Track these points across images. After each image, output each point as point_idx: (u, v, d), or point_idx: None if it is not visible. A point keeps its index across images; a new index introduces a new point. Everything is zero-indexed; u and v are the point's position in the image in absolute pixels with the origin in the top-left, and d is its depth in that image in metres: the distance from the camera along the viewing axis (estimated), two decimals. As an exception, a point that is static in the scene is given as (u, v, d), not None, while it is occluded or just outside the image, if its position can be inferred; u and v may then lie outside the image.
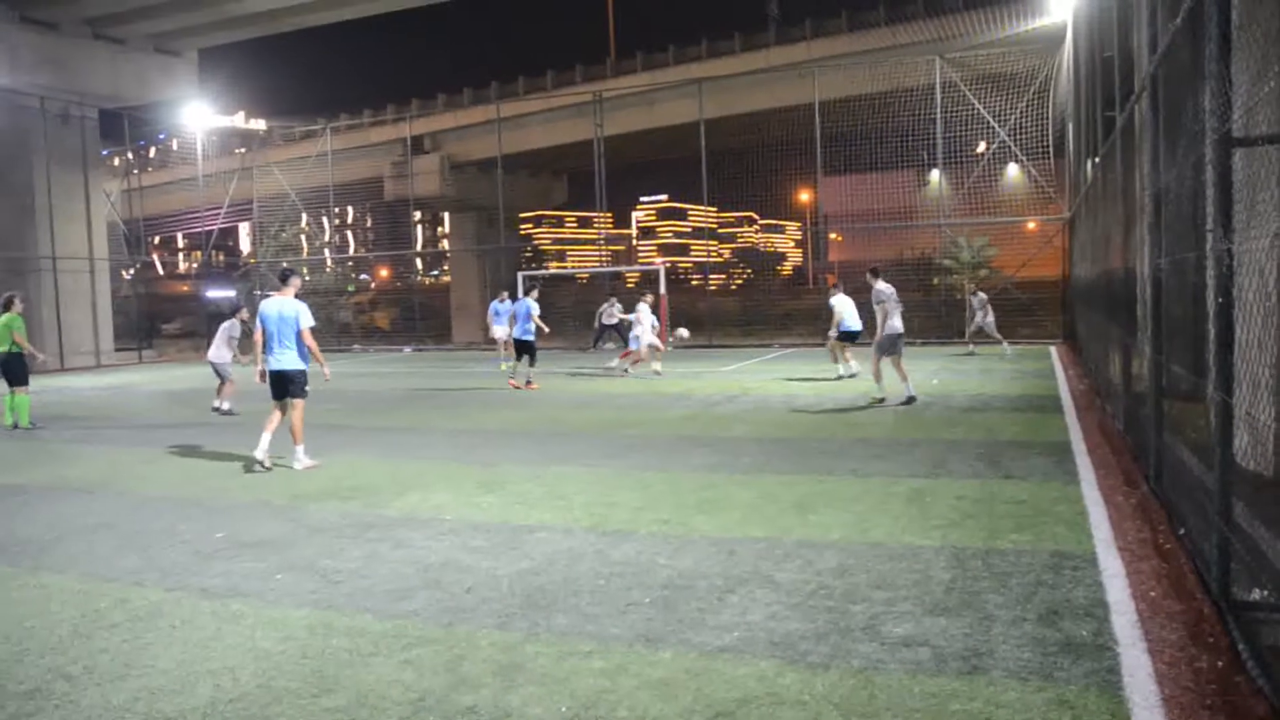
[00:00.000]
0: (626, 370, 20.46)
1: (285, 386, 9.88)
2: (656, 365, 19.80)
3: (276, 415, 10.02)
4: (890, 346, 14.06)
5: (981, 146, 28.48)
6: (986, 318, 23.14)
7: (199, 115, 35.36)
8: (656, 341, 19.40)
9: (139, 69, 30.88)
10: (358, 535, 7.08)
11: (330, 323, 41.21)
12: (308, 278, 44.62)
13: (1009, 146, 27.40)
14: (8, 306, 14.16)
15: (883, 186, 30.35)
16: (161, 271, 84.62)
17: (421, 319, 40.99)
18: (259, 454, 9.90)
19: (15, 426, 13.95)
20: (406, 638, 4.88)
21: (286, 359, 9.78)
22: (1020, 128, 27.20)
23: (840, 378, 17.72)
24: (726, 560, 6.07)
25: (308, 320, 9.81)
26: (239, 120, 41.76)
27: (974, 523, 6.77)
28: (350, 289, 55.71)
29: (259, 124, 42.69)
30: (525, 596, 5.47)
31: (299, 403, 9.91)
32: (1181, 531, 6.01)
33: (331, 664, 4.56)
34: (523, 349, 17.84)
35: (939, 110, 27.51)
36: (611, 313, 29.03)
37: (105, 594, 5.84)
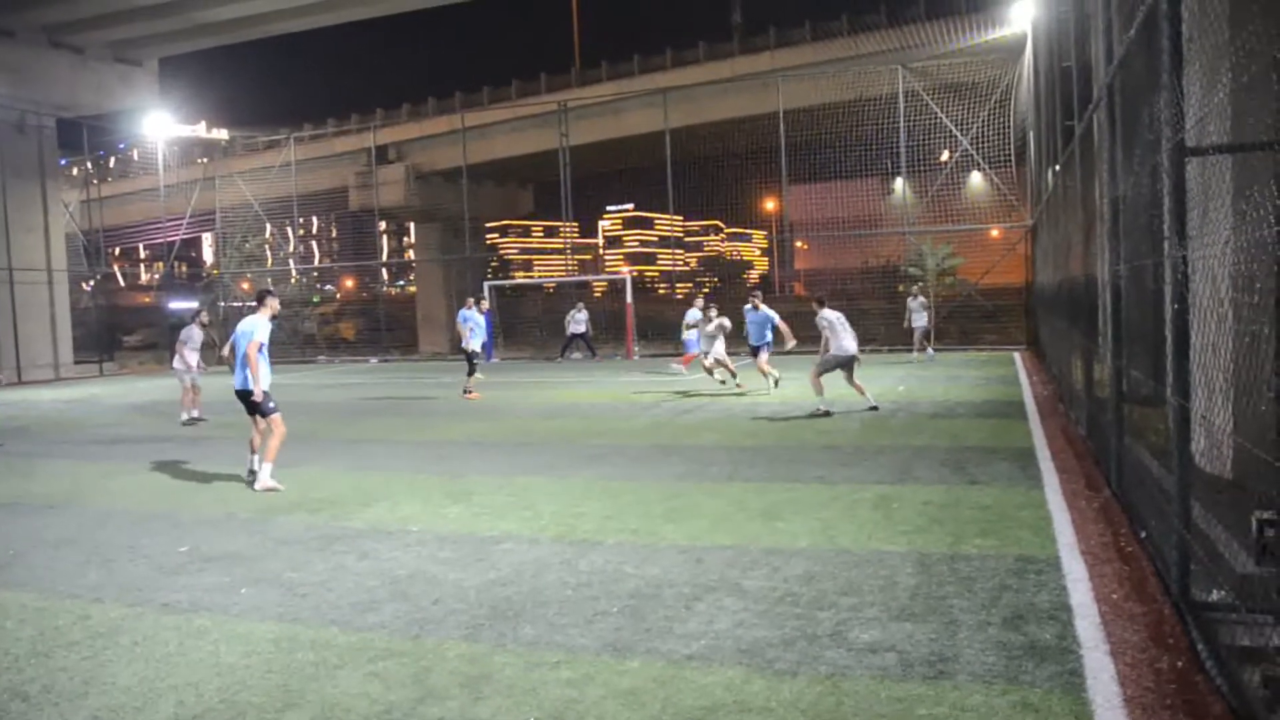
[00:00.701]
0: (682, 372, 21.32)
1: (249, 405, 9.73)
2: (718, 377, 18.47)
3: (254, 434, 9.90)
4: (838, 365, 14.03)
5: (945, 155, 28.77)
6: (921, 320, 23.35)
7: (160, 125, 35.00)
8: (725, 357, 18.21)
9: (98, 78, 30.53)
10: (324, 547, 7.02)
11: (295, 334, 40.94)
12: (273, 288, 44.41)
13: (972, 155, 27.72)
14: None
15: (848, 194, 30.54)
16: (123, 283, 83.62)
17: (387, 330, 40.75)
18: (246, 474, 10.07)
19: None
20: (373, 650, 4.85)
21: (239, 377, 9.67)
22: (982, 136, 27.52)
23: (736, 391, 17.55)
24: (694, 568, 6.08)
25: (249, 337, 9.53)
26: (201, 130, 41.22)
27: (940, 528, 6.83)
28: (315, 300, 55.39)
29: (221, 133, 42.23)
30: (492, 607, 5.46)
31: (273, 419, 9.59)
32: (1143, 534, 6.10)
33: (297, 677, 4.53)
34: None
35: (903, 119, 27.79)
36: (579, 321, 29.04)
37: (65, 611, 5.76)
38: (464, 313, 18.18)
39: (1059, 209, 13.95)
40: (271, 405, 9.62)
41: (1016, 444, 10.45)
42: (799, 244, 35.51)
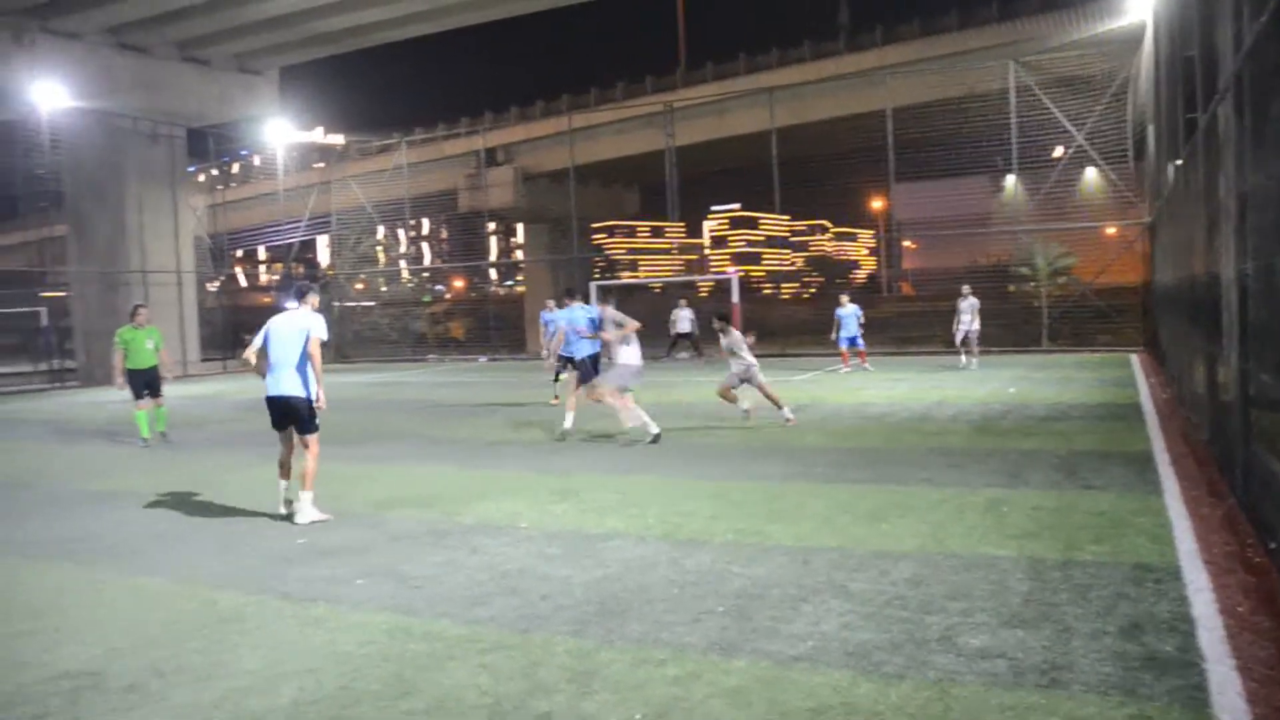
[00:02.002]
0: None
1: (286, 416, 8.32)
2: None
3: (285, 455, 8.51)
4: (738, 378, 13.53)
5: (1058, 151, 27.95)
6: (973, 324, 21.72)
7: (280, 131, 36.23)
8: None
9: (223, 89, 31.80)
10: (435, 542, 7.20)
11: (406, 333, 41.90)
12: (384, 289, 45.50)
13: (1086, 150, 26.85)
14: (138, 317, 14.09)
15: (956, 192, 29.97)
16: (244, 284, 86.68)
17: (496, 329, 41.43)
18: (282, 505, 8.46)
19: (147, 442, 13.76)
20: (483, 643, 4.96)
21: (287, 382, 8.16)
22: (1098, 131, 26.62)
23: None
24: (800, 569, 6.06)
25: (305, 335, 8.15)
26: (318, 135, 42.63)
27: (1052, 534, 6.66)
28: (426, 300, 56.59)
29: (337, 139, 43.57)
30: (600, 604, 5.53)
31: (310, 439, 8.28)
32: (1272, 545, 5.85)
33: (410, 667, 4.66)
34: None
35: (1013, 115, 27.06)
36: (683, 320, 29.02)
37: (194, 597, 6.03)
38: (544, 314, 17.01)
39: (1180, 205, 13.45)
40: (316, 422, 8.38)
41: (1133, 448, 10.11)
42: (907, 243, 34.93)
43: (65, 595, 6.21)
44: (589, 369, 13.14)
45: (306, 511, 8.06)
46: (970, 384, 17.70)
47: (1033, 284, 29.13)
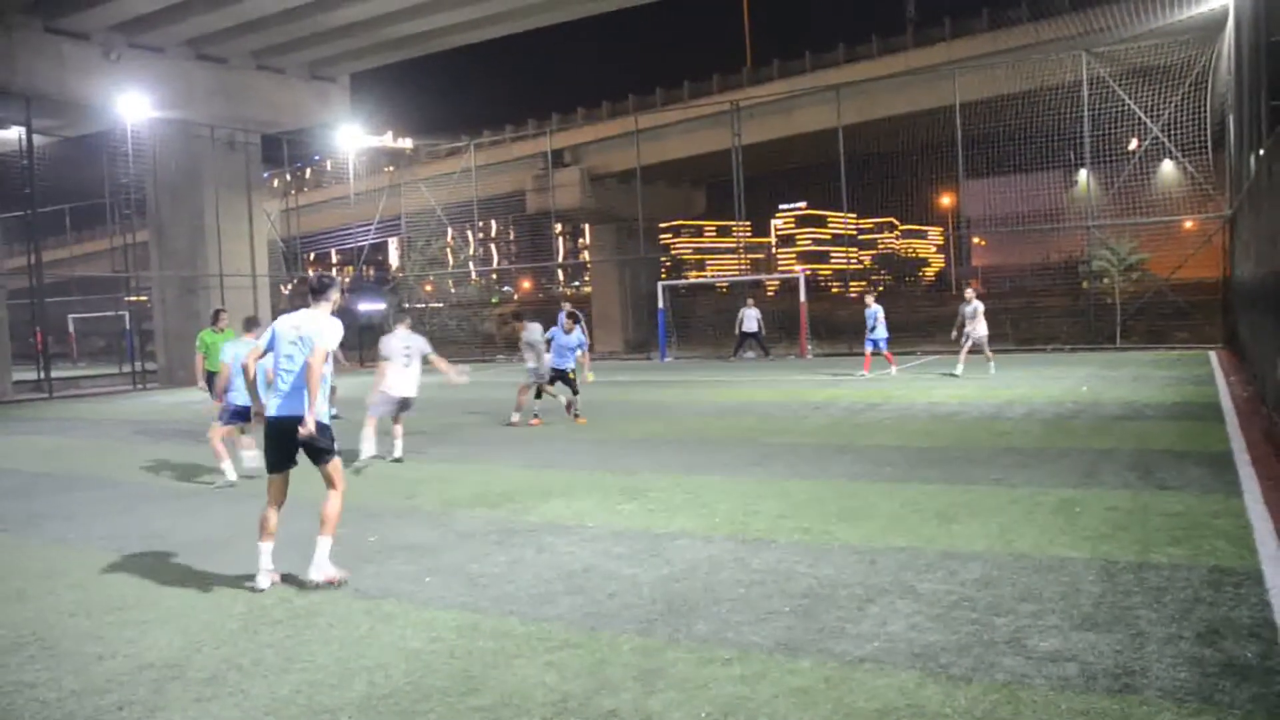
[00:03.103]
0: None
1: (292, 445, 6.41)
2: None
3: (271, 512, 6.51)
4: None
5: (1133, 144, 27.31)
6: (978, 329, 19.76)
7: (350, 136, 36.87)
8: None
9: (296, 95, 32.47)
10: (503, 541, 7.29)
11: (474, 334, 42.35)
12: (453, 290, 46.03)
13: (1163, 142, 26.19)
14: (215, 321, 14.28)
15: (1027, 188, 29.42)
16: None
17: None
18: (260, 578, 6.33)
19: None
20: (550, 641, 5.02)
21: (294, 400, 6.36)
22: (1175, 122, 25.91)
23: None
24: (867, 569, 6.03)
25: (309, 344, 6.38)
26: (387, 140, 43.29)
27: (1126, 535, 6.54)
28: (494, 300, 57.15)
29: (406, 143, 44.20)
30: (666, 603, 5.56)
31: (332, 469, 6.53)
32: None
33: (478, 664, 4.73)
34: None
35: (1086, 107, 26.49)
36: (750, 319, 29.04)
37: (270, 592, 6.18)
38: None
39: (1264, 197, 13.09)
40: (334, 444, 6.60)
41: (1211, 448, 9.87)
42: (976, 240, 34.40)
43: (150, 589, 6.41)
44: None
45: (323, 565, 6.30)
46: (1042, 383, 17.41)
47: (1106, 280, 28.50)
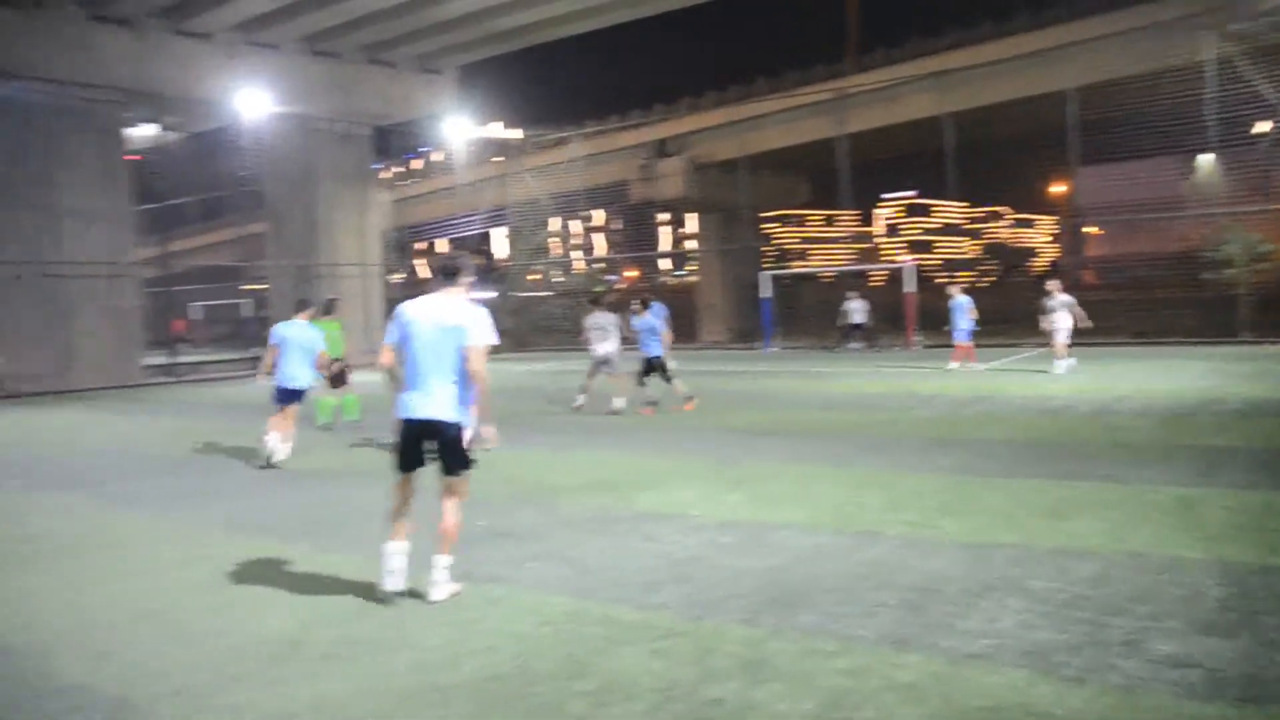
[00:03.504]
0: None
1: (423, 449, 5.80)
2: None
3: (403, 501, 5.90)
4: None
5: (1266, 125, 26.07)
6: (1062, 322, 18.19)
7: (458, 128, 37.49)
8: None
9: (406, 88, 33.14)
10: (608, 528, 7.37)
11: (579, 323, 42.70)
12: (559, 279, 46.53)
13: (1296, 125, 24.95)
14: (330, 310, 14.78)
15: (1146, 175, 28.37)
16: (425, 275, 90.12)
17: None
18: (389, 580, 5.77)
19: (326, 428, 14.37)
20: (656, 629, 5.06)
21: (436, 400, 5.69)
22: (1309, 104, 24.70)
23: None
24: (975, 565, 5.94)
25: (482, 334, 5.75)
26: (495, 130, 43.90)
27: (1250, 537, 6.30)
28: (599, 289, 57.50)
29: (513, 133, 44.76)
30: (771, 594, 5.55)
31: (459, 482, 5.90)
32: None
33: (584, 650, 4.80)
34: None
35: (1211, 89, 25.37)
36: (855, 310, 28.85)
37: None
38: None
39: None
40: (471, 456, 5.92)
41: (1346, 447, 9.43)
42: (1090, 229, 33.31)
43: (269, 567, 6.66)
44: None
45: (443, 584, 5.76)
46: (1158, 377, 16.83)
47: (1229, 271, 27.30)
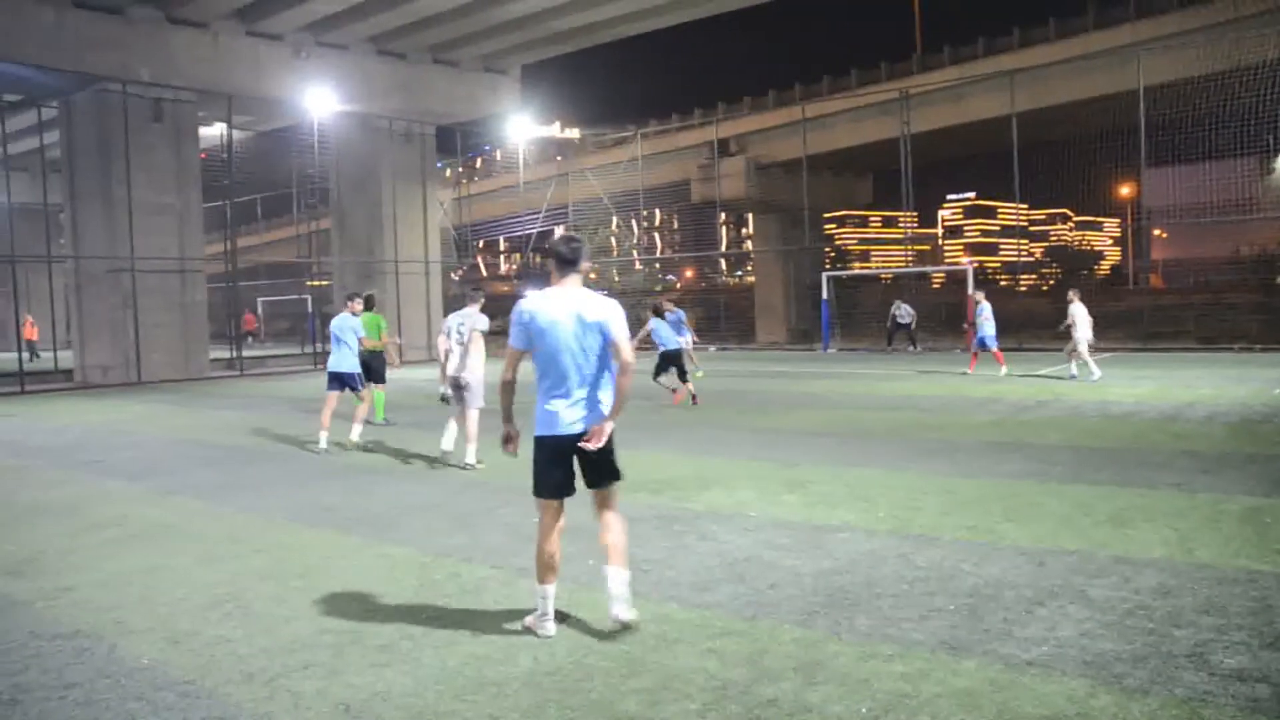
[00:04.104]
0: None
1: (577, 465, 5.14)
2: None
3: (551, 545, 5.18)
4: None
5: None
6: (1082, 331, 18.06)
7: (521, 127, 37.80)
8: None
9: (469, 88, 33.48)
10: (665, 527, 7.39)
11: (640, 323, 42.80)
12: (618, 278, 46.72)
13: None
14: (369, 305, 15.12)
15: (1217, 176, 27.69)
16: (485, 273, 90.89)
17: (726, 318, 41.70)
18: (548, 625, 5.10)
19: (369, 422, 14.27)
20: (711, 628, 5.07)
21: (588, 408, 5.07)
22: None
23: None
24: (1035, 571, 5.87)
25: (624, 325, 5.09)
26: (555, 130, 44.22)
27: (1323, 549, 6.15)
28: (658, 289, 57.60)
29: (574, 132, 45.04)
30: (827, 595, 5.54)
31: (615, 494, 5.32)
32: None
33: (639, 648, 4.83)
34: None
35: (1286, 88, 24.67)
36: (904, 313, 28.99)
37: (439, 567, 6.46)
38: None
39: None
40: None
41: None
42: (1157, 232, 32.62)
43: (329, 558, 6.80)
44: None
45: (628, 598, 5.07)
46: (1227, 384, 16.45)
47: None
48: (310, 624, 5.36)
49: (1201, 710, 3.89)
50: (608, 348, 5.03)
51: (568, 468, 5.09)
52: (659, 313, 16.80)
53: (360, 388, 12.66)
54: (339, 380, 12.39)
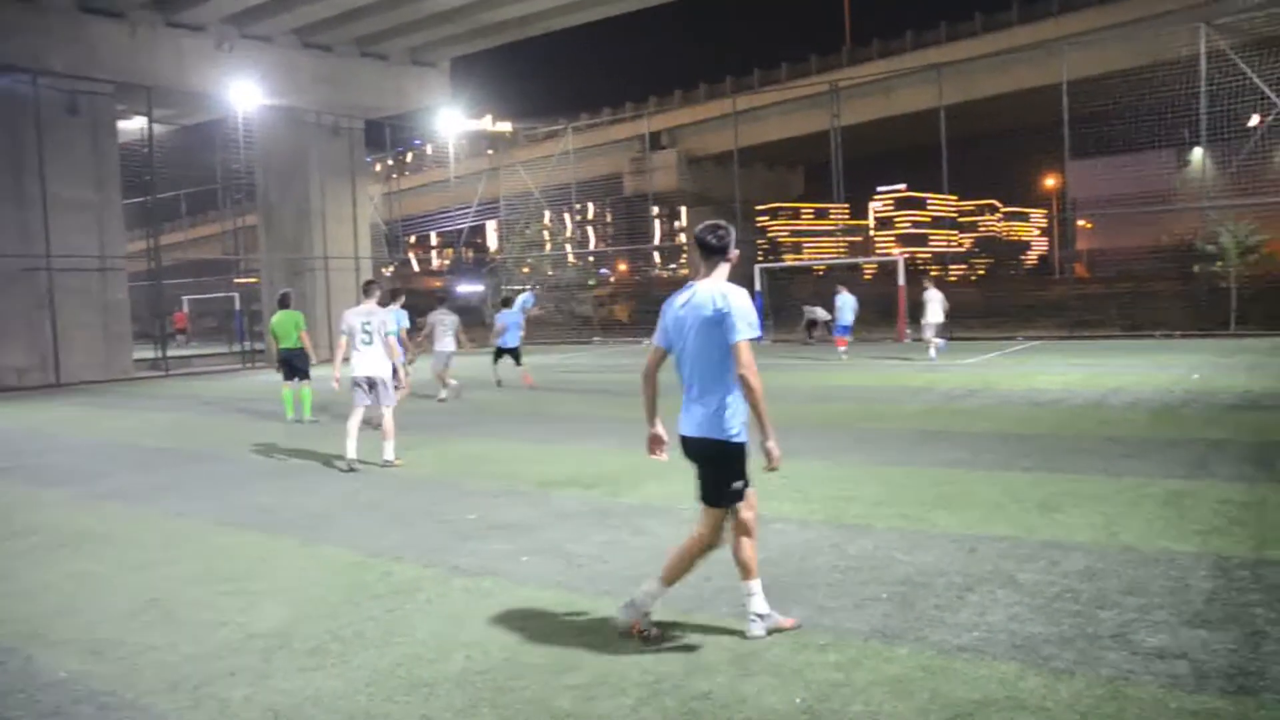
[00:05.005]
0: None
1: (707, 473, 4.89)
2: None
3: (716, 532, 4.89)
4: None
5: (1254, 120, 26.13)
6: (934, 315, 21.05)
7: (451, 121, 37.41)
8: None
9: (398, 81, 33.07)
10: (599, 521, 7.37)
11: (571, 316, 42.73)
12: (550, 272, 46.58)
13: (1288, 118, 24.97)
14: (285, 303, 15.12)
15: (1137, 168, 28.42)
16: (417, 268, 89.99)
17: (659, 312, 41.72)
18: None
19: (299, 420, 14.60)
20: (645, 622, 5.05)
21: (700, 414, 4.90)
22: (1304, 96, 24.70)
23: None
24: (967, 558, 5.95)
25: (746, 328, 4.68)
26: (486, 124, 43.90)
27: (1241, 530, 6.32)
28: (591, 283, 57.50)
29: (505, 126, 44.77)
30: (762, 587, 5.54)
31: (706, 515, 4.92)
32: None
33: (574, 643, 4.80)
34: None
35: (1204, 82, 25.39)
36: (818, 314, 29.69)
37: (372, 567, 6.36)
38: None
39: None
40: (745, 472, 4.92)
41: (1336, 440, 9.45)
42: (1081, 222, 33.39)
43: (260, 560, 6.66)
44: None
45: (768, 611, 4.81)
46: (1150, 370, 16.88)
47: (1220, 264, 27.39)
48: (238, 629, 5.24)
49: (1124, 688, 3.98)
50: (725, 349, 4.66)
51: (703, 475, 4.86)
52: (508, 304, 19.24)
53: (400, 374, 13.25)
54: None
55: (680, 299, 4.84)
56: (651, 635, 4.77)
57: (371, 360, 10.33)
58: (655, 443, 5.01)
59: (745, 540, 4.82)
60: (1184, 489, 7.57)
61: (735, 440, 4.75)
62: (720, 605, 5.27)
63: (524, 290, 17.10)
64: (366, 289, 10.81)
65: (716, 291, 4.69)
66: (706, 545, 4.81)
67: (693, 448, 4.82)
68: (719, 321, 4.62)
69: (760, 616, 4.76)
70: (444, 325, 17.09)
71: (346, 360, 10.47)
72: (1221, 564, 5.60)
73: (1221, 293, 26.83)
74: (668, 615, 5.11)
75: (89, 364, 25.91)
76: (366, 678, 4.48)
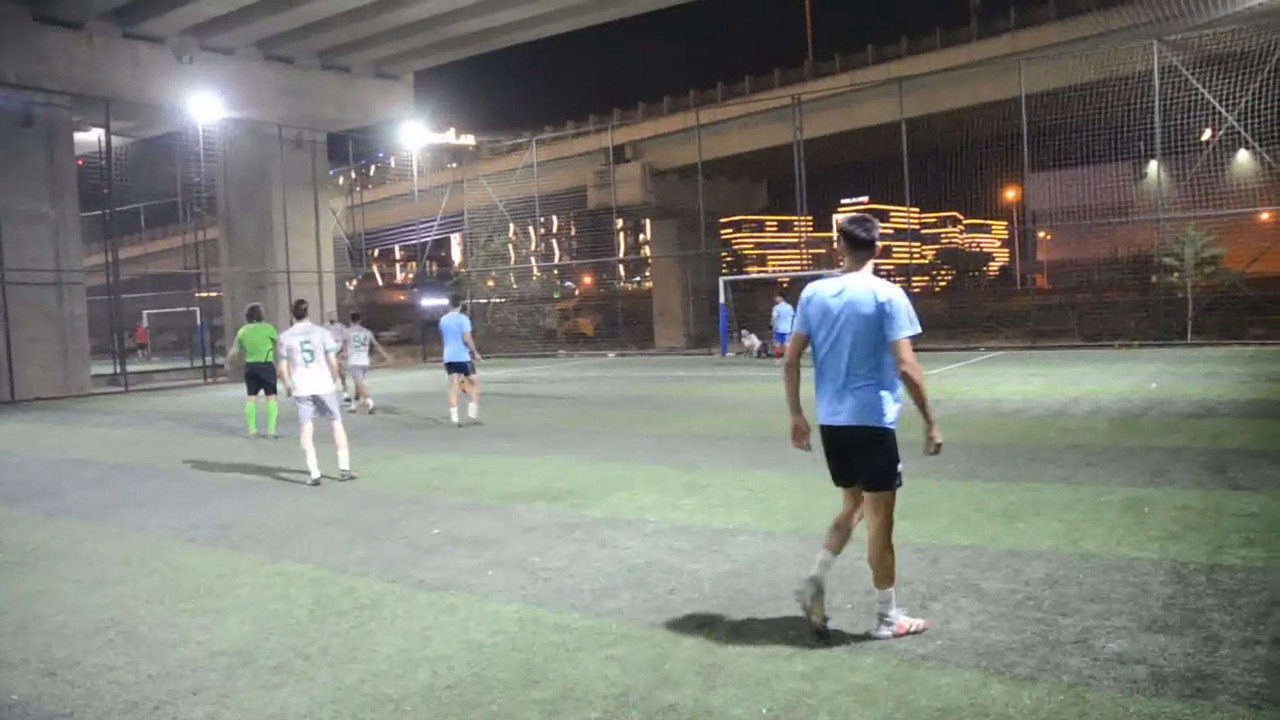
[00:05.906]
0: None
1: (847, 460, 5.19)
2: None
3: (845, 512, 5.34)
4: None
5: (1207, 134, 26.62)
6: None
7: (414, 134, 37.29)
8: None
9: (361, 94, 32.95)
10: (565, 535, 7.35)
11: (536, 329, 42.65)
12: (515, 286, 46.51)
13: (1239, 132, 25.49)
14: (257, 316, 14.96)
15: (1095, 181, 28.86)
16: (380, 282, 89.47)
17: (625, 324, 41.81)
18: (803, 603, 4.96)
19: (262, 436, 14.43)
20: (611, 635, 5.05)
21: (852, 403, 5.03)
22: (1252, 111, 25.18)
23: None
24: (930, 567, 5.99)
25: (907, 323, 4.82)
26: (450, 137, 43.81)
27: (1197, 535, 6.41)
28: (556, 296, 57.46)
29: (469, 139, 44.67)
30: (728, 598, 5.56)
31: (882, 500, 5.11)
32: None
33: (540, 657, 4.78)
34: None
35: (1158, 97, 25.86)
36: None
37: (336, 583, 6.30)
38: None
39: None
40: (900, 468, 5.15)
41: (1290, 448, 9.61)
42: (1042, 234, 33.80)
43: (221, 577, 6.57)
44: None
45: (898, 615, 4.90)
46: (1109, 379, 17.10)
47: (1177, 274, 27.85)
48: (199, 647, 5.17)
49: (1086, 694, 4.03)
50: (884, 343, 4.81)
51: (837, 460, 5.16)
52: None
53: (472, 372, 15.01)
54: (458, 368, 14.91)
55: (828, 289, 4.89)
56: (822, 630, 4.89)
57: (314, 378, 10.43)
58: (799, 433, 5.18)
59: (878, 535, 4.98)
60: (1143, 496, 7.67)
61: (890, 427, 4.95)
62: (685, 616, 5.27)
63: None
64: (297, 309, 10.84)
65: (876, 287, 4.79)
66: (889, 526, 4.98)
67: (843, 436, 4.98)
68: (880, 317, 4.73)
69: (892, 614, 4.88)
70: (357, 340, 18.23)
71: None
72: (1179, 570, 5.68)
73: (1179, 303, 27.28)
74: (632, 628, 5.11)
75: (45, 379, 25.53)
76: (331, 694, 4.44)
